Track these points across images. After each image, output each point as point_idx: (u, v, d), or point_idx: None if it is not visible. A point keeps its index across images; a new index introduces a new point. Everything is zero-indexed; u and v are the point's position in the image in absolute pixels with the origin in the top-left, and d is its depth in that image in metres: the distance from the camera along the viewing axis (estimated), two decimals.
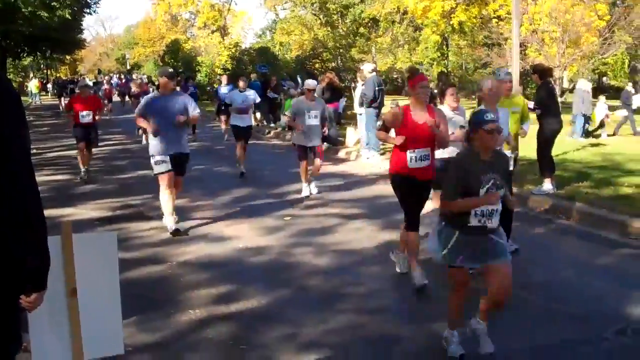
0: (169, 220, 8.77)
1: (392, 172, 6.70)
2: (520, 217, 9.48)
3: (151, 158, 8.86)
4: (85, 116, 13.20)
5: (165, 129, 8.61)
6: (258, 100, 14.81)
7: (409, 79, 6.70)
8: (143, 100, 9.37)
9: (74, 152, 17.04)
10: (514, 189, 10.62)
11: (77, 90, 14.94)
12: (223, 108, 19.16)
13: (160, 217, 9.52)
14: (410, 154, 6.42)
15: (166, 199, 8.74)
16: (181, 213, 9.93)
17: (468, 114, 6.86)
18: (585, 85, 18.61)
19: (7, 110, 2.56)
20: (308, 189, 11.42)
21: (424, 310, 5.93)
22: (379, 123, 11.27)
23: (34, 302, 2.74)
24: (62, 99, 40.07)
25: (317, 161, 11.45)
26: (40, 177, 12.64)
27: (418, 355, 5.08)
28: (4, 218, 2.52)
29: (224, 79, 21.14)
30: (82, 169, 13.36)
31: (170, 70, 9.47)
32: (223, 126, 20.34)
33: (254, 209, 10.33)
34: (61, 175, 13.97)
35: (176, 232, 8.67)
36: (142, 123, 9.07)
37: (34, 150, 16.12)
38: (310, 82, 12.11)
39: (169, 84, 8.87)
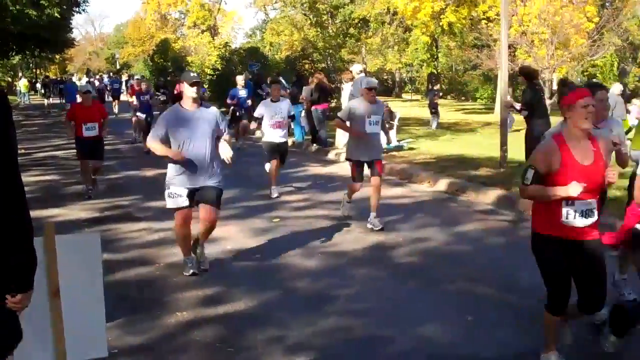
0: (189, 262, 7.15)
1: (538, 232, 4.63)
2: (508, 220, 9.52)
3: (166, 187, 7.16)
4: (90, 129, 11.22)
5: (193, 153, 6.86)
6: (293, 112, 12.57)
7: (563, 94, 4.77)
8: (160, 118, 7.42)
9: (61, 153, 17.03)
10: (503, 192, 10.67)
11: (78, 98, 14.39)
12: (238, 115, 18.29)
13: (148, 218, 9.52)
14: (567, 209, 4.44)
15: (180, 239, 7.22)
16: (168, 214, 9.81)
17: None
18: (618, 89, 18.43)
19: None
20: (374, 221, 8.98)
21: (412, 312, 5.92)
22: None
23: (20, 303, 2.70)
24: (47, 99, 40.20)
25: (376, 180, 9.09)
26: (28, 178, 12.72)
27: (405, 356, 5.07)
28: None
29: (240, 79, 17.89)
30: (87, 187, 11.49)
31: (196, 74, 7.18)
32: (234, 140, 19.36)
33: (243, 210, 10.30)
34: (50, 175, 13.91)
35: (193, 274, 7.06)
36: (160, 151, 6.98)
37: (22, 151, 16.04)
38: (371, 81, 9.54)
39: (196, 95, 6.95)
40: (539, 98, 11.00)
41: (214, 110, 7.12)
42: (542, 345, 4.79)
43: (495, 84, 33.90)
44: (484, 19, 29.07)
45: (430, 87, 43.37)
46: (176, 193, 6.99)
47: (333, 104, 21.97)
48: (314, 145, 18.08)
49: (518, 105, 11.23)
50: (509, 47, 19.28)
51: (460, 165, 13.38)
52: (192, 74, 6.98)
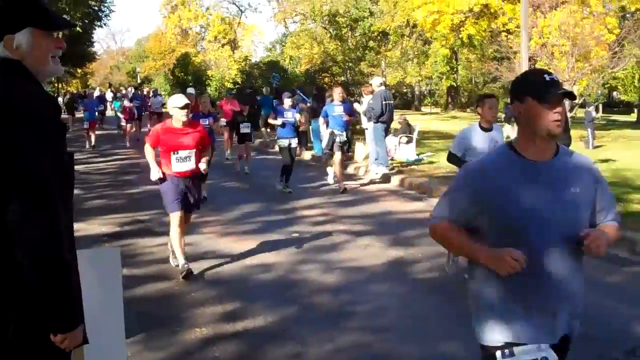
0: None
1: None
2: None
3: None
4: (184, 159, 7.62)
5: None
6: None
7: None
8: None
9: (81, 167, 17.11)
10: None
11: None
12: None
13: (168, 233, 9.56)
14: None
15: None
16: (190, 229, 9.92)
17: None
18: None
19: (25, 130, 2.31)
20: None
21: (432, 329, 5.88)
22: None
23: (63, 342, 2.43)
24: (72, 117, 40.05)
25: None
26: None
27: None
28: (19, 261, 2.30)
29: (288, 101, 14.50)
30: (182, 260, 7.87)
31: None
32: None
33: (262, 225, 10.31)
34: None
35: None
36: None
37: None
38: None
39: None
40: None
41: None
42: None
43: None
44: (503, 31, 28.95)
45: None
46: None
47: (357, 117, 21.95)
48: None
49: None
50: (529, 59, 19.21)
51: None
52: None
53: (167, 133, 7.63)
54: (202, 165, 7.71)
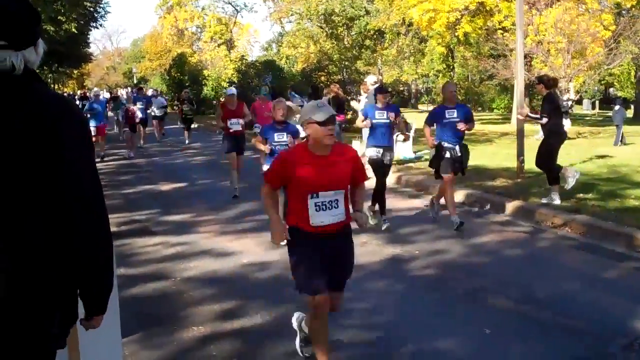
0: None
1: None
2: (526, 231, 9.47)
3: None
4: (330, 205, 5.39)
5: None
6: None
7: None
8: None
9: None
10: (520, 203, 10.62)
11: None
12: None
13: (165, 232, 9.57)
14: None
15: None
16: (185, 228, 9.96)
17: None
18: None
19: (72, 131, 2.44)
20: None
21: (430, 326, 5.88)
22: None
23: (97, 324, 2.71)
24: None
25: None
26: None
27: None
28: (74, 249, 2.44)
29: (381, 96, 10.23)
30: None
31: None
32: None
33: (259, 223, 10.27)
34: None
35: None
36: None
37: None
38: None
39: None
40: (556, 107, 10.93)
41: None
42: (560, 357, 4.74)
43: (511, 94, 33.81)
44: (499, 29, 29.01)
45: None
46: None
47: (349, 116, 21.97)
48: None
49: (534, 114, 11.16)
50: (525, 56, 19.22)
51: (477, 176, 13.31)
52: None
53: (302, 164, 4.71)
54: (360, 217, 4.99)
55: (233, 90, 13.79)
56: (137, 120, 22.33)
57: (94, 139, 17.07)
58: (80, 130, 2.49)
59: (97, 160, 15.51)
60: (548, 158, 10.63)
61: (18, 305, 2.35)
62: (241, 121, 12.89)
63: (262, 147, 9.32)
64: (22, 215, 2.36)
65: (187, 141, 24.60)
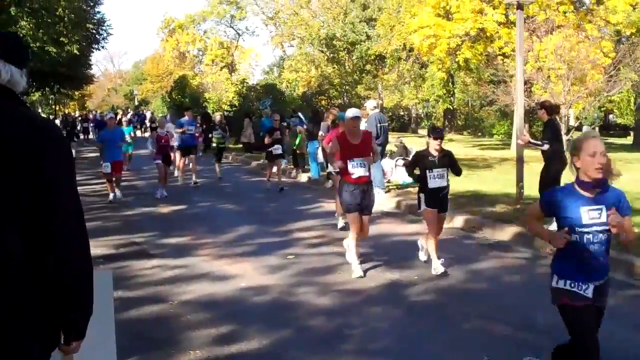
0: None
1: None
2: (525, 257, 9.44)
3: None
4: None
5: None
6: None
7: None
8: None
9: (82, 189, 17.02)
10: (520, 229, 10.59)
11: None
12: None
13: (163, 255, 9.56)
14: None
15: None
16: (183, 251, 9.95)
17: None
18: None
19: (52, 152, 2.50)
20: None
21: (428, 352, 5.85)
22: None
23: (75, 349, 2.72)
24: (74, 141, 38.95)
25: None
26: None
27: None
28: (50, 271, 2.46)
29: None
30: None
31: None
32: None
33: (258, 247, 10.28)
34: None
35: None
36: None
37: None
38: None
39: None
40: (557, 133, 10.94)
41: None
42: None
43: (511, 120, 33.89)
44: (500, 54, 29.10)
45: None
46: None
47: None
48: (330, 181, 18.05)
49: (536, 141, 11.14)
50: (525, 82, 19.26)
51: (477, 202, 13.31)
52: None
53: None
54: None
55: (356, 111, 8.86)
56: (174, 147, 18.22)
57: (107, 178, 15.49)
58: (60, 153, 2.55)
59: (107, 202, 15.06)
60: (551, 184, 10.61)
61: (2, 325, 2.35)
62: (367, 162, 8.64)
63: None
64: (3, 231, 2.38)
65: (218, 175, 19.96)
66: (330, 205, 14.55)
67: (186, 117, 19.40)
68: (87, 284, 2.60)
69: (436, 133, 8.51)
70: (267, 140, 17.22)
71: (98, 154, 19.93)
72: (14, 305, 2.38)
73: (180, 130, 18.80)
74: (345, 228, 10.56)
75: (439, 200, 8.57)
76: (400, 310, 7.09)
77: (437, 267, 8.44)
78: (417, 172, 8.64)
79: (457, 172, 8.86)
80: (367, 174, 8.57)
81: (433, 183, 8.42)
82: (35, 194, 2.42)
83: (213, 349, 5.94)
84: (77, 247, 2.54)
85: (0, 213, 2.38)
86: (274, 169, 17.54)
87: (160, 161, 16.37)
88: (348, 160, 8.37)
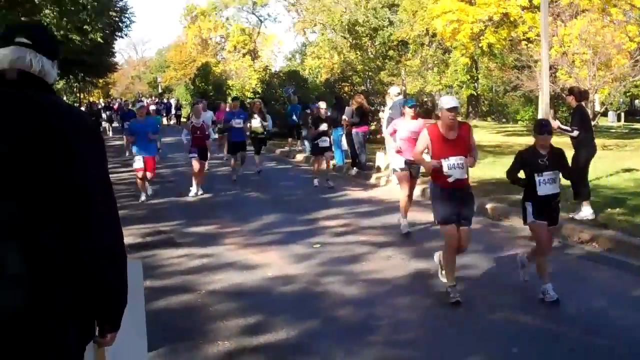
0: None
1: None
2: (553, 246, 9.36)
3: None
4: None
5: None
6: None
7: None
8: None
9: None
10: None
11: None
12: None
13: (190, 244, 9.59)
14: None
15: None
16: (209, 240, 9.98)
17: None
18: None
19: (83, 142, 2.51)
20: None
21: (457, 343, 5.82)
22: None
23: (110, 341, 2.74)
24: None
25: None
26: None
27: None
28: (86, 261, 2.48)
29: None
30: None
31: None
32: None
33: (283, 235, 10.29)
34: None
35: None
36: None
37: None
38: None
39: None
40: (586, 119, 10.83)
41: None
42: None
43: (536, 105, 33.59)
44: (523, 39, 28.84)
45: None
46: None
47: (373, 127, 21.94)
48: (354, 169, 18.04)
49: (565, 127, 10.99)
50: (550, 68, 19.07)
51: (503, 189, 13.17)
52: None
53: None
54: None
55: (453, 100, 7.37)
56: (209, 140, 15.77)
57: (139, 174, 13.97)
58: (91, 142, 2.57)
59: (139, 201, 13.81)
60: (583, 171, 10.51)
61: (34, 315, 2.35)
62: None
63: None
64: (39, 222, 2.39)
65: (258, 168, 18.00)
66: (355, 193, 14.55)
67: (233, 109, 17.96)
68: (122, 274, 2.62)
69: (543, 128, 7.12)
70: (312, 132, 16.23)
71: (124, 142, 19.80)
72: (49, 297, 2.39)
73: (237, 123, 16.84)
74: (410, 234, 10.25)
75: (549, 210, 7.14)
76: (428, 301, 7.06)
77: (548, 292, 6.87)
78: (521, 175, 7.31)
79: (569, 176, 7.81)
80: (466, 176, 7.27)
81: (543, 189, 6.98)
82: (69, 184, 2.43)
83: (241, 340, 5.95)
84: (111, 238, 2.54)
85: (36, 204, 2.39)
86: (323, 165, 15.85)
87: (196, 155, 14.67)
88: (442, 159, 7.06)
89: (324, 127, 15.78)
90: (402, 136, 10.43)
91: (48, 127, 2.43)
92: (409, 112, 10.62)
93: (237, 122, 16.86)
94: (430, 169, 7.26)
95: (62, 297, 2.44)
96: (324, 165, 15.82)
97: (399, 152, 10.52)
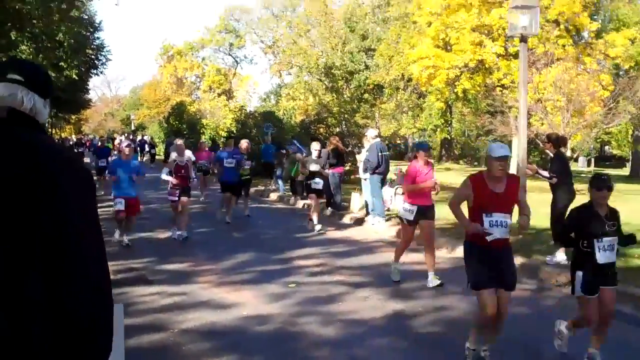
0: None
1: None
2: (531, 289, 9.31)
3: None
4: None
5: None
6: None
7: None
8: None
9: None
10: (524, 259, 10.47)
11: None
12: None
13: (162, 282, 9.42)
14: None
15: None
16: (183, 277, 9.81)
17: None
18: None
19: (72, 185, 2.34)
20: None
21: None
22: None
23: None
24: None
25: None
26: None
27: None
28: (67, 315, 2.28)
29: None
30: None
31: None
32: None
33: (258, 275, 10.14)
34: None
35: None
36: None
37: None
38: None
39: None
40: (567, 165, 10.90)
41: None
42: None
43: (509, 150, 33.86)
44: (498, 86, 29.20)
45: None
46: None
47: (347, 167, 21.96)
48: (329, 209, 17.97)
49: (545, 173, 11.03)
50: None
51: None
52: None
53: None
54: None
55: (504, 148, 6.47)
56: (192, 180, 14.91)
57: (118, 218, 13.03)
58: (81, 185, 2.41)
59: (112, 238, 13.15)
60: (561, 216, 10.51)
61: None
62: None
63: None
64: (21, 270, 2.22)
65: (246, 212, 17.72)
66: (330, 233, 14.45)
67: (226, 148, 17.51)
68: (105, 331, 2.42)
69: (603, 182, 6.08)
70: (302, 171, 15.92)
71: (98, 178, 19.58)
72: (32, 348, 2.23)
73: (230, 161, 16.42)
74: (400, 282, 9.68)
75: (603, 277, 6.07)
76: (405, 342, 6.95)
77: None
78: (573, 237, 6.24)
79: (623, 241, 6.28)
80: (508, 236, 6.19)
81: (603, 257, 5.93)
82: (55, 225, 2.26)
83: None
84: (96, 292, 2.36)
85: (21, 249, 2.23)
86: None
87: (176, 198, 13.73)
88: (484, 215, 6.01)
89: (314, 167, 15.38)
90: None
91: (37, 167, 2.29)
92: (422, 155, 9.84)
93: (229, 162, 16.41)
94: (471, 231, 6.16)
95: (46, 352, 2.27)
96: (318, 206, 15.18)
97: (409, 199, 9.92)
